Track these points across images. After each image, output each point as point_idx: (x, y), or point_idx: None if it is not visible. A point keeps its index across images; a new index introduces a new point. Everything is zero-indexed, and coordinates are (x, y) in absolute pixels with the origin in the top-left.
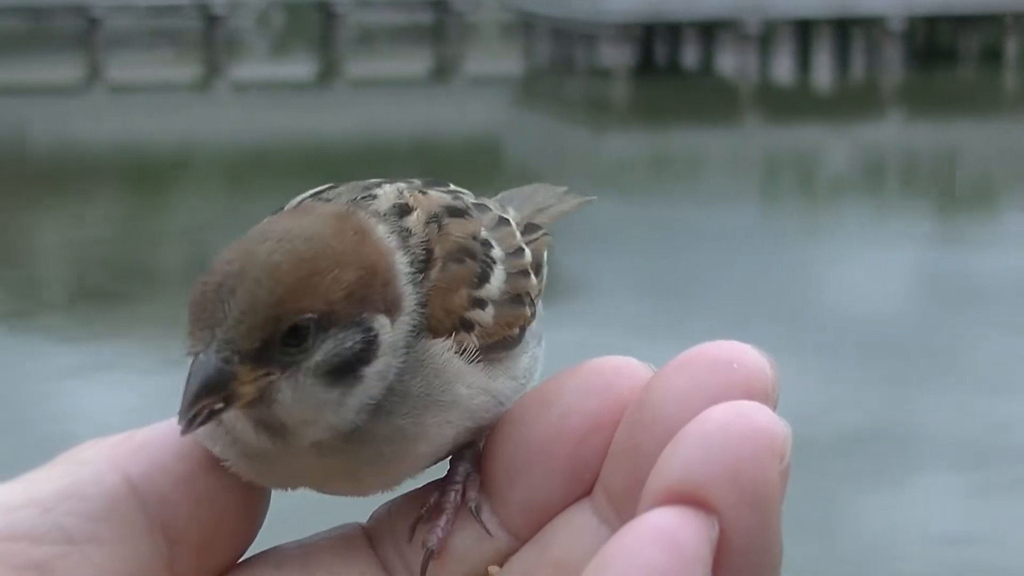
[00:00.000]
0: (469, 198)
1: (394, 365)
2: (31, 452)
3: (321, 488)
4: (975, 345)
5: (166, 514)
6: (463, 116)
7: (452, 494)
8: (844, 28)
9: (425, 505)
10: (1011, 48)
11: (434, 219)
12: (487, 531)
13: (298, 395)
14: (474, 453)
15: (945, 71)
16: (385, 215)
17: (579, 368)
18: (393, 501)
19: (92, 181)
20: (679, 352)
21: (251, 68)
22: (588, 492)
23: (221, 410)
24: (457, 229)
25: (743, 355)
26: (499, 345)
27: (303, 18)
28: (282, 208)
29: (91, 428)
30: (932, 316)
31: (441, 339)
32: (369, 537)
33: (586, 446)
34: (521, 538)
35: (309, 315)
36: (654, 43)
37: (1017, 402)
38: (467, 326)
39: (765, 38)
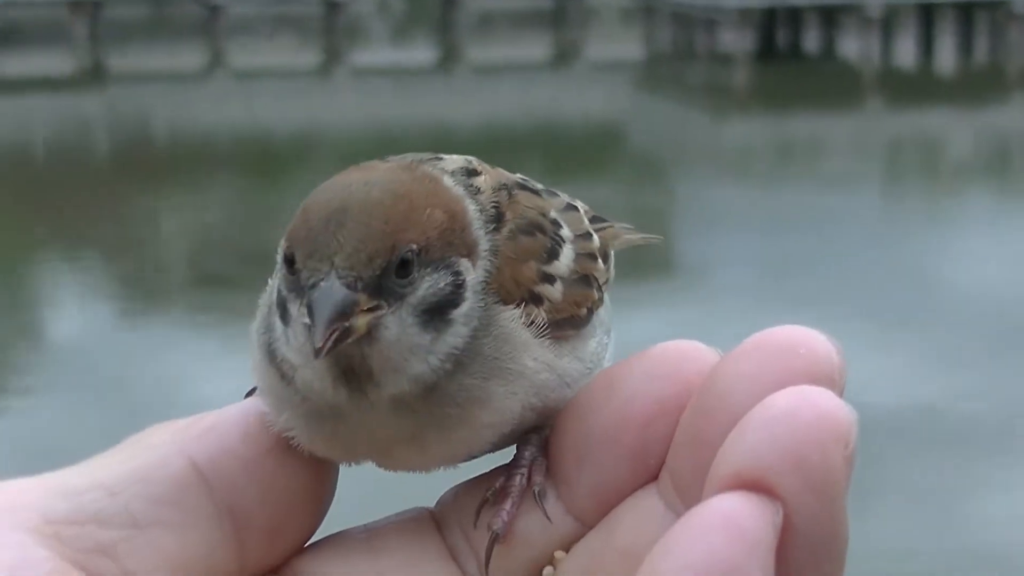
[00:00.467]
0: (538, 185)
1: (476, 311)
2: None
3: (385, 459)
4: None
5: (233, 498)
6: (584, 102)
7: (518, 478)
8: (968, 11)
9: (491, 489)
10: None
11: (503, 187)
12: (548, 517)
13: (400, 333)
14: (541, 438)
15: None
16: (453, 173)
17: (646, 353)
18: (459, 485)
19: (214, 167)
20: None
21: (371, 54)
22: (654, 477)
23: (341, 341)
24: (527, 201)
25: (809, 340)
26: (567, 323)
27: (423, 4)
28: None
29: None
30: None
31: (511, 307)
32: (436, 522)
33: (652, 431)
34: (587, 523)
35: (415, 246)
36: (775, 28)
37: None
38: (536, 300)
39: (887, 21)
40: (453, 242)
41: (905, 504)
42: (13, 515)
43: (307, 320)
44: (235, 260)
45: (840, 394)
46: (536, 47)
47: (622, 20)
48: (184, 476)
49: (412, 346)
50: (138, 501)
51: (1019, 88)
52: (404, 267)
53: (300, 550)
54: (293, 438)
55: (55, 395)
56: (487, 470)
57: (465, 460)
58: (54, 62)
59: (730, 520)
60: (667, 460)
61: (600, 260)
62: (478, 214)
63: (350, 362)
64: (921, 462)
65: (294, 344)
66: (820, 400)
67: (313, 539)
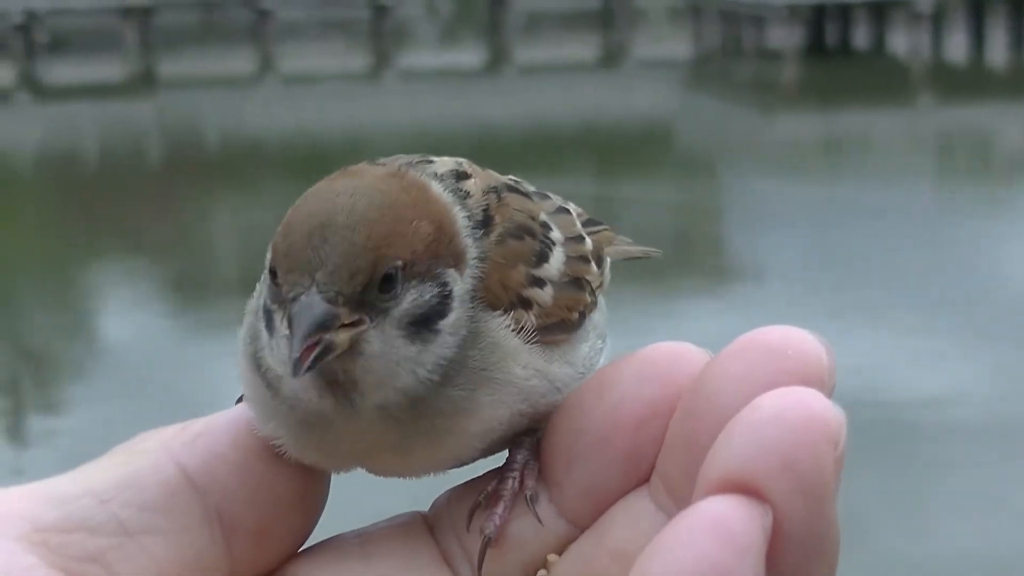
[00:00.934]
0: (529, 187)
1: (463, 321)
2: None
3: (371, 465)
4: None
5: (223, 504)
6: (632, 101)
7: (510, 481)
8: (1019, 5)
9: (483, 492)
10: None
11: (493, 190)
12: (539, 521)
13: (384, 347)
14: (533, 441)
15: None
16: (442, 177)
17: (636, 355)
18: (453, 489)
19: (264, 171)
20: (852, 333)
21: (420, 56)
22: (646, 480)
23: (322, 357)
24: (516, 203)
25: (799, 341)
26: (557, 328)
27: (471, 6)
28: None
29: None
30: None
31: (498, 313)
32: (429, 526)
33: (643, 433)
34: (580, 526)
35: (399, 262)
36: (824, 24)
37: None
38: (525, 304)
39: (937, 16)
40: (440, 253)
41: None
42: (2, 523)
43: (287, 332)
44: None
45: (830, 395)
46: (584, 47)
47: (670, 19)
48: (174, 482)
49: (398, 359)
50: (128, 508)
51: None
52: (388, 282)
53: (292, 555)
54: (280, 446)
55: (107, 397)
56: (480, 474)
57: (455, 467)
58: (106, 69)
59: (719, 524)
60: (658, 462)
61: (593, 263)
62: (466, 221)
63: (334, 375)
64: (961, 461)
65: (278, 355)
66: (809, 401)
67: (306, 545)
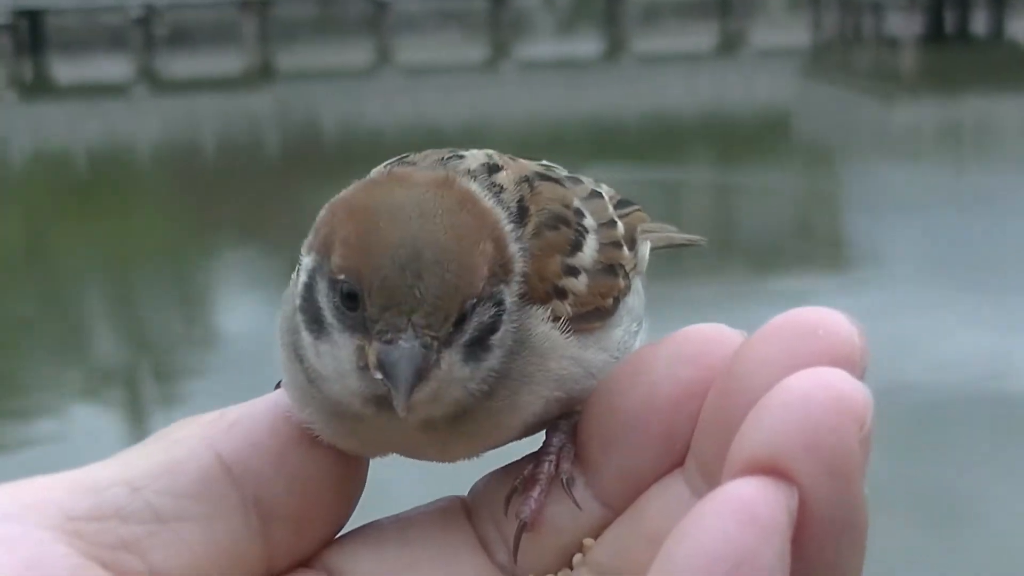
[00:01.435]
0: (561, 171)
1: (511, 331)
2: None
3: (408, 454)
4: None
5: (259, 490)
6: (751, 90)
7: (546, 465)
8: None
9: (519, 477)
10: None
11: (525, 180)
12: (577, 505)
13: (447, 372)
14: (569, 424)
15: None
16: (474, 172)
17: (671, 337)
18: (490, 474)
19: (381, 162)
20: (975, 320)
21: (538, 47)
22: (681, 462)
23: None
24: (549, 192)
25: (831, 322)
26: (592, 315)
27: None
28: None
29: None
30: None
31: (536, 306)
32: (467, 510)
33: (678, 415)
34: (616, 509)
35: (475, 299)
36: (943, 11)
37: None
38: (560, 294)
39: None
40: (497, 272)
41: None
42: (34, 512)
43: (378, 375)
44: None
45: (862, 376)
46: (702, 37)
47: (788, 8)
48: (209, 470)
49: (455, 380)
50: (161, 496)
51: None
52: (463, 317)
53: (330, 541)
54: (317, 432)
55: (224, 390)
56: (517, 458)
57: (487, 451)
58: (224, 62)
59: (744, 506)
60: (692, 444)
61: (625, 247)
62: (508, 223)
63: (383, 391)
64: None
65: (329, 365)
66: (835, 382)
67: (344, 530)
